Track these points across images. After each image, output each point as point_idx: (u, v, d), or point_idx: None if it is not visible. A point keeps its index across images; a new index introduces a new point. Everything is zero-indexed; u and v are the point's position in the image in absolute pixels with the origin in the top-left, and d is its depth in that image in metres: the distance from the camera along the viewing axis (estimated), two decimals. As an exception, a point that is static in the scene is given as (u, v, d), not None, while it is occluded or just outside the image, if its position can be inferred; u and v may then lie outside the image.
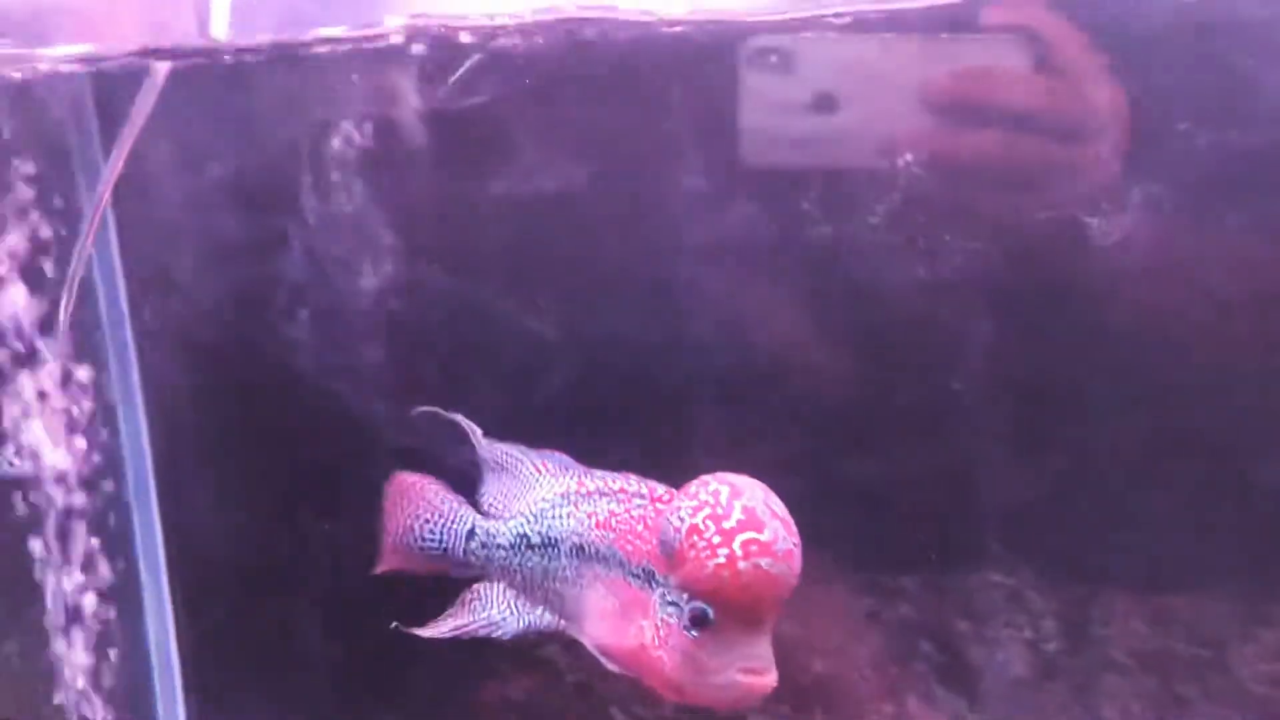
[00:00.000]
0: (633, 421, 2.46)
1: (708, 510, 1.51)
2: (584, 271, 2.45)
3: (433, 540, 1.91)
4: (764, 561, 1.48)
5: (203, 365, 2.55)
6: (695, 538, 1.51)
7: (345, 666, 2.69)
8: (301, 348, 2.51)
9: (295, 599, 2.66)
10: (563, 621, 1.80)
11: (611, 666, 1.71)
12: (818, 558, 2.58)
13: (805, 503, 2.53)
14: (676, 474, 2.29)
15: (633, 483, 1.74)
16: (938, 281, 2.29)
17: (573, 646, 2.60)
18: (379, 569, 1.98)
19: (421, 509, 1.94)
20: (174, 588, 2.58)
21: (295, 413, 2.54)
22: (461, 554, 1.88)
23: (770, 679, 1.54)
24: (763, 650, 1.54)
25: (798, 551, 1.51)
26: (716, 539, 1.49)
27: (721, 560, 1.48)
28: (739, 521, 1.49)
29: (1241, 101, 2.13)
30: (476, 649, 2.60)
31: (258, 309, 2.51)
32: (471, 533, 1.88)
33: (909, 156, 2.20)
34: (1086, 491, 2.46)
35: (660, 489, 1.70)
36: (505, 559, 1.83)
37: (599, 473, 1.80)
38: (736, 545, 1.48)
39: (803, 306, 2.44)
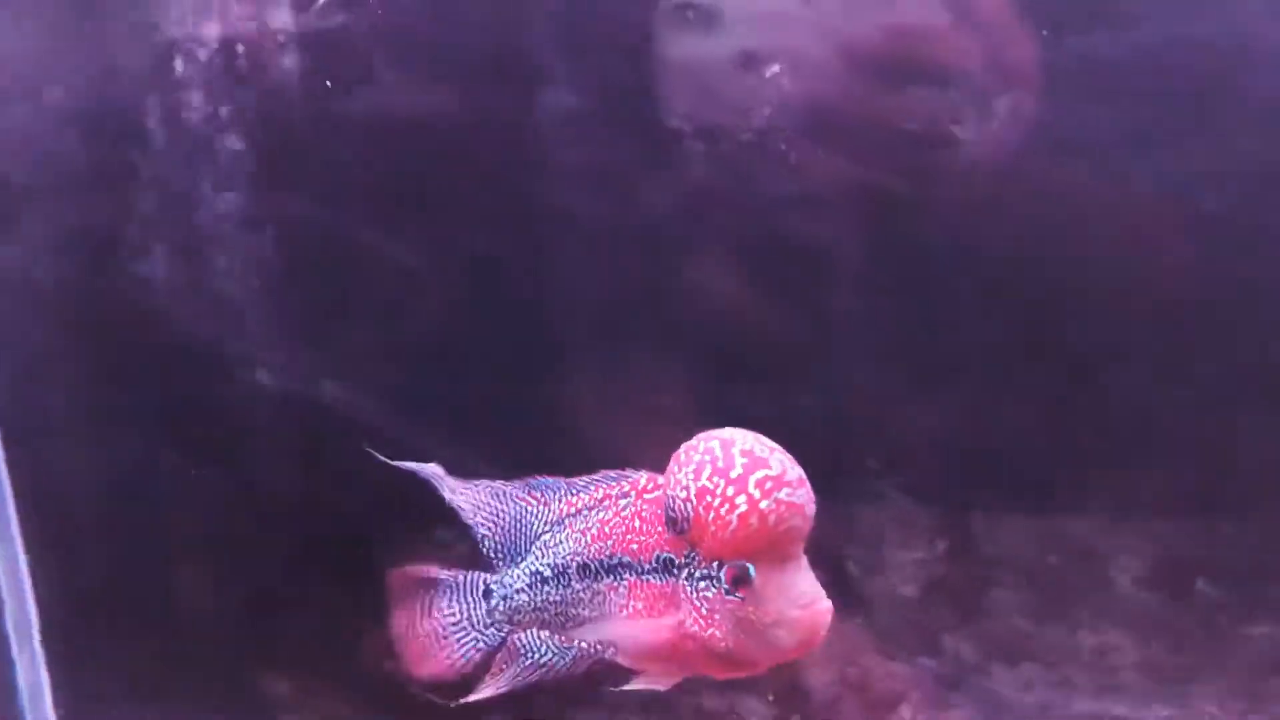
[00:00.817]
0: (511, 353, 2.41)
1: (709, 469, 1.46)
2: (456, 199, 2.38)
3: (453, 620, 1.81)
4: (783, 494, 1.44)
5: (51, 304, 2.41)
6: (709, 499, 1.46)
7: (223, 620, 2.60)
8: (157, 284, 2.40)
9: (166, 549, 2.57)
10: (602, 646, 1.70)
11: (664, 682, 1.64)
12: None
13: (687, 430, 2.59)
14: (559, 402, 2.28)
15: (614, 485, 1.67)
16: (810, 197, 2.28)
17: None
18: (420, 688, 1.88)
19: (433, 597, 1.84)
20: (29, 541, 2.45)
21: (153, 352, 2.42)
22: (486, 617, 1.79)
23: (828, 605, 1.50)
24: (808, 582, 1.50)
25: (805, 476, 1.47)
26: (730, 490, 1.44)
27: (744, 508, 1.43)
28: (744, 465, 1.44)
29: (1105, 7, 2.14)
30: (359, 598, 2.61)
31: (107, 244, 2.38)
32: (488, 592, 1.79)
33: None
34: (969, 411, 2.49)
35: (643, 477, 1.64)
36: (528, 602, 1.75)
37: (579, 483, 1.73)
38: (752, 488, 1.43)
39: (682, 232, 2.40)
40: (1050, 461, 2.55)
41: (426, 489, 2.68)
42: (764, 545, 1.46)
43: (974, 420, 2.46)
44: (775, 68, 2.17)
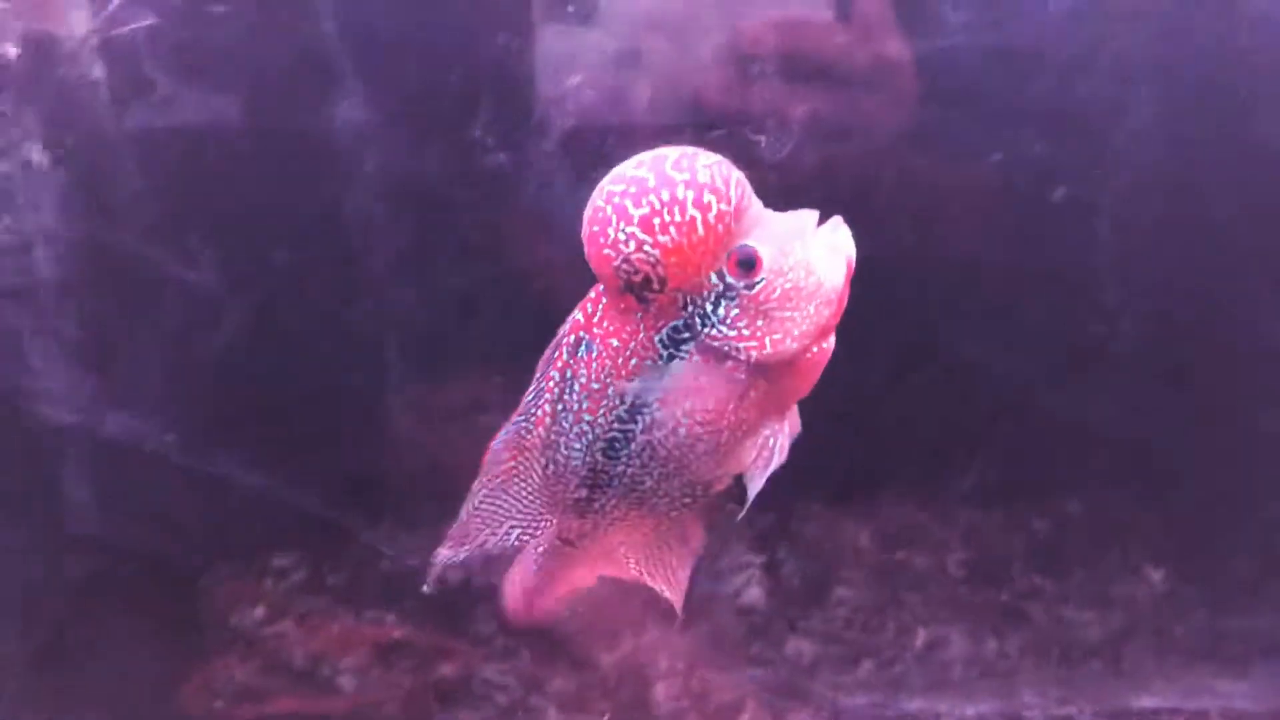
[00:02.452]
0: (313, 373, 2.31)
1: (629, 203, 1.28)
2: (251, 214, 2.27)
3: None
4: (703, 159, 1.29)
5: None
6: (656, 225, 1.28)
7: (17, 667, 2.44)
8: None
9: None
10: (709, 482, 1.48)
11: (770, 449, 1.43)
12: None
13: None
14: (372, 420, 2.18)
15: (555, 355, 1.45)
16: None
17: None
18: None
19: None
20: None
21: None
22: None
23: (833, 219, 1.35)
24: (788, 217, 1.35)
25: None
26: (665, 196, 1.27)
27: (691, 196, 1.27)
28: (652, 171, 1.28)
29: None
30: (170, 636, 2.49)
31: None
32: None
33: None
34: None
35: (575, 313, 1.44)
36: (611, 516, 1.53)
37: (529, 400, 1.50)
38: (679, 177, 1.27)
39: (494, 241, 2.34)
40: (878, 457, 2.58)
41: (248, 522, 2.61)
42: (734, 216, 1.30)
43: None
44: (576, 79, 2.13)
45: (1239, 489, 2.51)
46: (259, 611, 2.57)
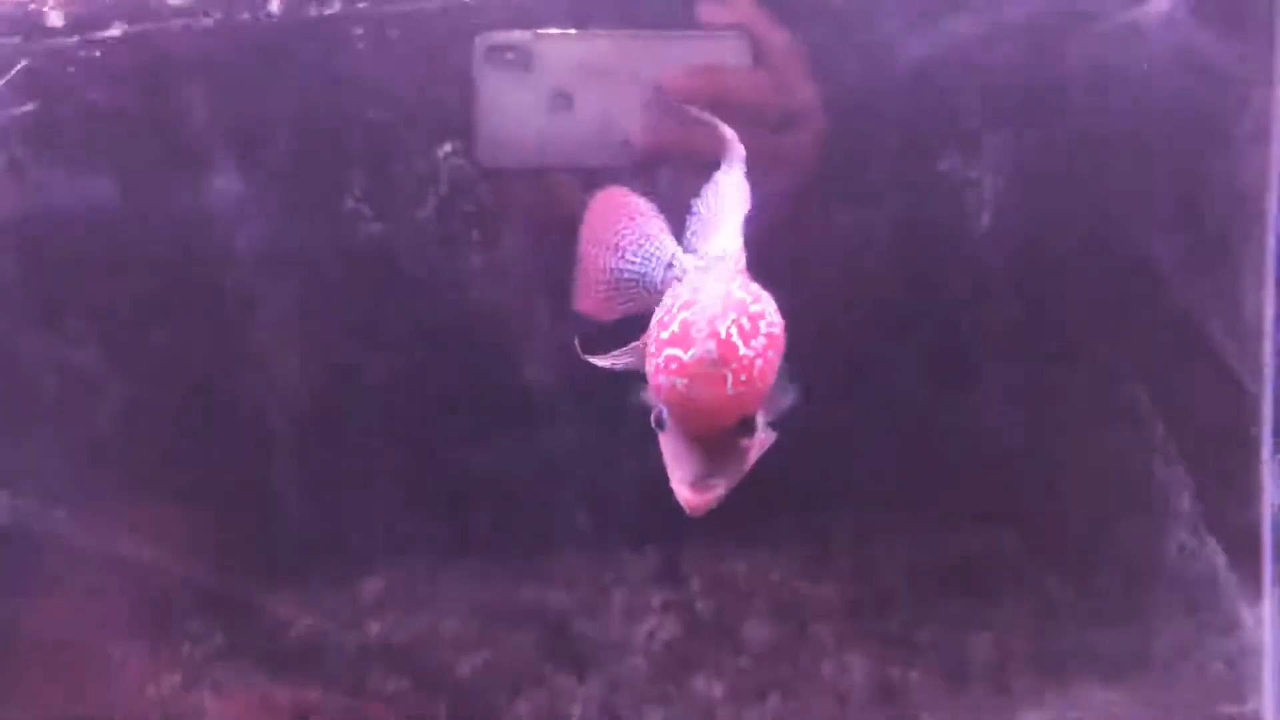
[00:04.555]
0: (199, 447, 2.33)
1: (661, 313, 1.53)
2: (128, 293, 2.28)
3: (631, 270, 1.73)
4: (681, 382, 1.44)
5: None
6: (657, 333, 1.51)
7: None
8: None
9: None
10: None
11: None
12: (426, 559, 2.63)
13: (401, 506, 2.56)
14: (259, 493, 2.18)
15: None
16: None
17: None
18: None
19: (626, 238, 1.75)
20: None
21: None
22: (659, 285, 1.69)
23: (688, 496, 1.49)
24: (694, 462, 1.49)
25: (729, 378, 1.45)
26: (664, 337, 1.49)
27: (660, 362, 1.47)
28: (672, 334, 1.48)
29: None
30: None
31: None
32: (670, 264, 1.69)
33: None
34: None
35: None
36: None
37: None
38: (665, 357, 1.47)
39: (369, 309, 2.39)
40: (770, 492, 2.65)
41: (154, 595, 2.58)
42: (669, 404, 1.48)
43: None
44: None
45: (1099, 504, 2.63)
46: (176, 678, 2.55)
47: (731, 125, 1.91)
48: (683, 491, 1.50)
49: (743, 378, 1.45)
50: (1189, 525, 2.58)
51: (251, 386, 2.34)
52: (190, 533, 2.43)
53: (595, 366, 1.75)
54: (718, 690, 2.75)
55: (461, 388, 2.40)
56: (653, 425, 1.52)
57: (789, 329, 1.59)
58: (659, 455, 1.61)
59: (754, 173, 1.85)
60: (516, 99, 2.23)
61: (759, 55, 2.27)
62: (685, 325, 1.47)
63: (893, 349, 2.55)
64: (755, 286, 1.57)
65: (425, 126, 2.25)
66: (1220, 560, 2.58)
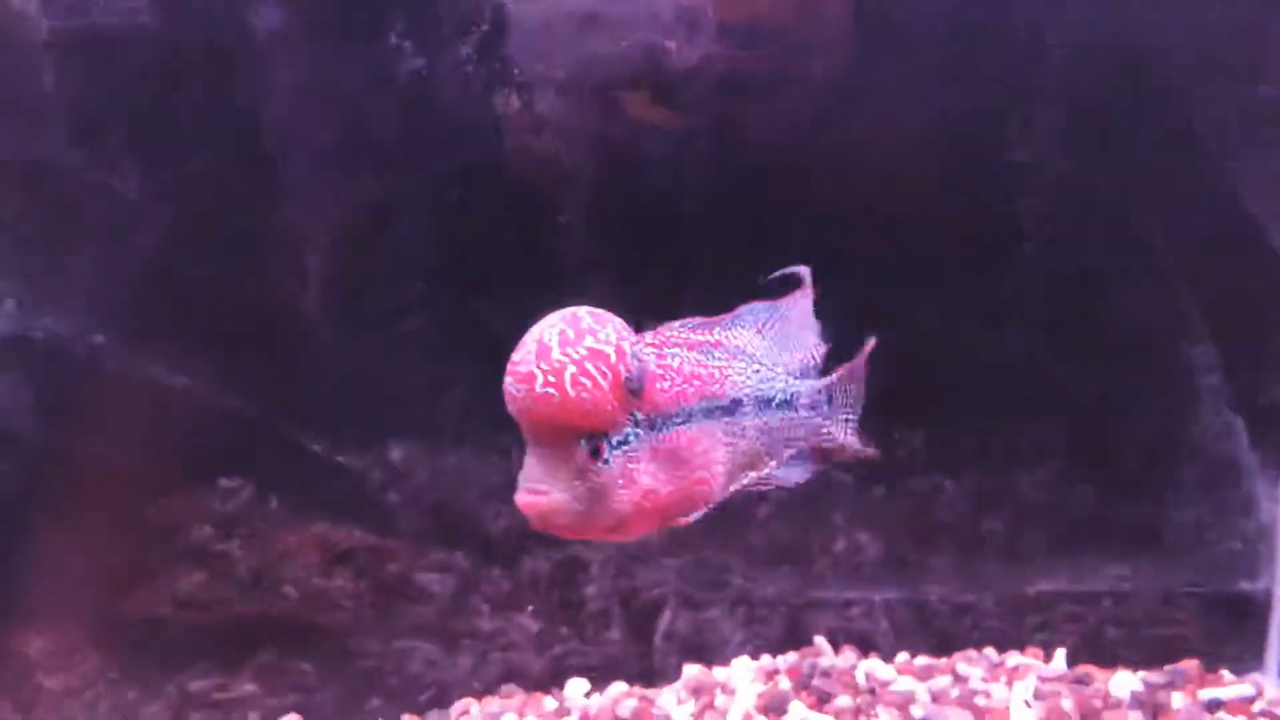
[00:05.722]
0: (236, 277, 2.39)
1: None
2: (170, 122, 2.32)
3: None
4: (507, 379, 1.56)
5: None
6: None
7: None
8: None
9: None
10: None
11: None
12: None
13: (434, 352, 2.60)
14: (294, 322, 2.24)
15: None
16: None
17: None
18: None
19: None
20: None
21: None
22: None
23: (522, 497, 1.59)
24: (530, 467, 1.61)
25: (539, 375, 1.55)
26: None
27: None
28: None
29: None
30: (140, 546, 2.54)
31: None
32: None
33: None
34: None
35: None
36: None
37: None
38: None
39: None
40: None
41: (194, 432, 2.66)
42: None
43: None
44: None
45: (1123, 384, 2.62)
46: (206, 529, 2.64)
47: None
48: (517, 493, 1.62)
49: (552, 379, 1.54)
50: (1214, 404, 2.58)
51: (288, 220, 2.39)
52: (221, 364, 2.50)
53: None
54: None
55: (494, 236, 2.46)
56: None
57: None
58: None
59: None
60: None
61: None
62: (528, 334, 1.59)
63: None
64: (607, 316, 1.63)
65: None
66: (1243, 440, 2.58)
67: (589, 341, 1.59)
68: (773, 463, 1.88)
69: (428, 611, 2.68)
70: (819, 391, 1.92)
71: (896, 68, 2.48)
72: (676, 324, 1.79)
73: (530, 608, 2.70)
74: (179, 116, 2.30)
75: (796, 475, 1.93)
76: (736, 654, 2.68)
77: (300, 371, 2.55)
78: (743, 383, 1.83)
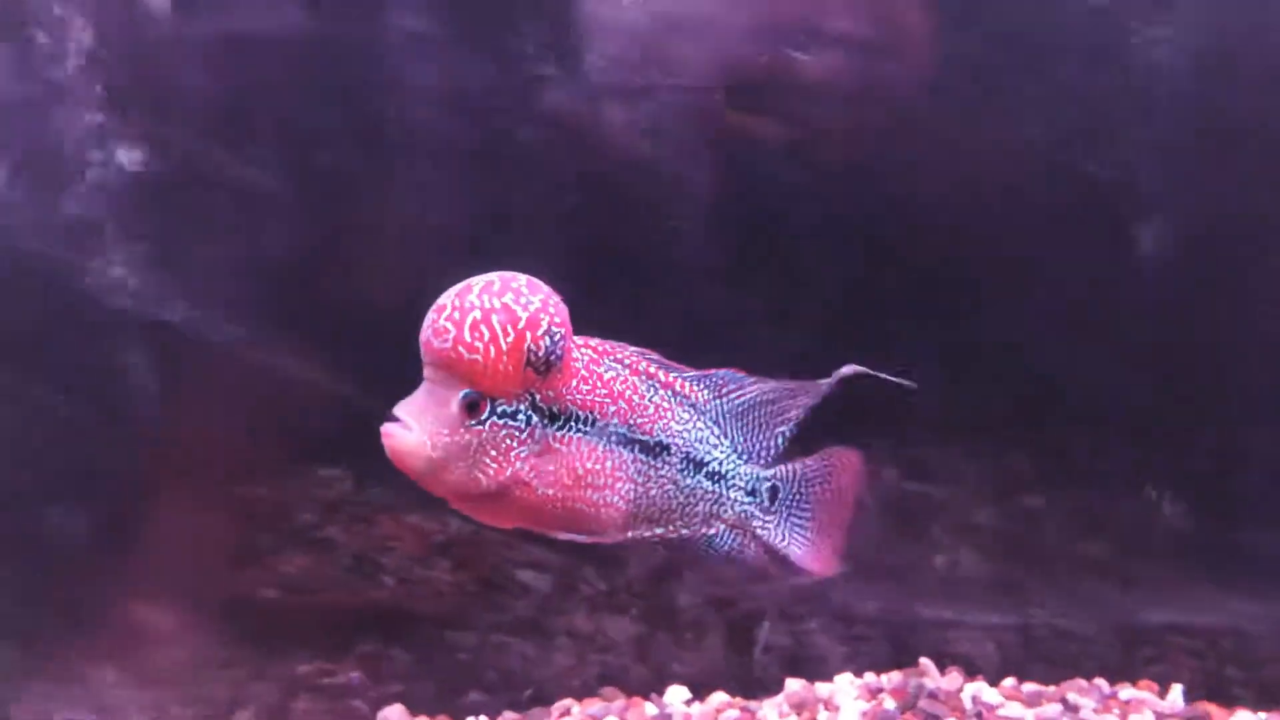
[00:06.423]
0: (363, 272, 2.44)
1: None
2: (310, 119, 2.37)
3: None
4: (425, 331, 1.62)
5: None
6: None
7: (90, 553, 2.58)
8: (5, 205, 2.34)
9: (26, 480, 2.52)
10: None
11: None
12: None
13: None
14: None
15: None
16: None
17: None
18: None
19: None
20: None
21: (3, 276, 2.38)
22: None
23: (385, 429, 1.62)
24: (407, 402, 1.65)
25: (448, 309, 1.61)
26: None
27: None
28: None
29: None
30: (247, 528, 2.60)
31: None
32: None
33: None
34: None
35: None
36: None
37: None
38: None
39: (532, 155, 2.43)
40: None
41: (301, 418, 2.72)
42: None
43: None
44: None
45: (1251, 407, 2.54)
46: (307, 516, 2.67)
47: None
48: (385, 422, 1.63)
49: (456, 318, 1.58)
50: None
51: (412, 219, 2.42)
52: (342, 355, 2.53)
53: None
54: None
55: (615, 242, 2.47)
56: None
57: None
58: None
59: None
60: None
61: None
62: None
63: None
64: (547, 292, 1.64)
65: None
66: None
67: (508, 299, 1.58)
68: (685, 530, 1.79)
69: (525, 607, 2.70)
70: (762, 480, 1.82)
71: (1025, 86, 2.44)
72: (634, 349, 1.74)
73: (632, 611, 2.71)
74: (316, 115, 2.34)
75: (719, 558, 1.83)
76: (837, 670, 2.66)
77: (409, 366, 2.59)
78: (676, 431, 1.74)
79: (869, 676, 2.62)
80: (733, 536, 1.82)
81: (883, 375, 1.81)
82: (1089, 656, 2.65)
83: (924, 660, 2.63)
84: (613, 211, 2.44)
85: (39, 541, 2.52)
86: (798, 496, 1.84)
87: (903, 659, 2.67)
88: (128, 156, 2.34)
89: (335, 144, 2.36)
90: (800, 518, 1.85)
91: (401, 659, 2.66)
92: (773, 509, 1.82)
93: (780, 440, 1.82)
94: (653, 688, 2.66)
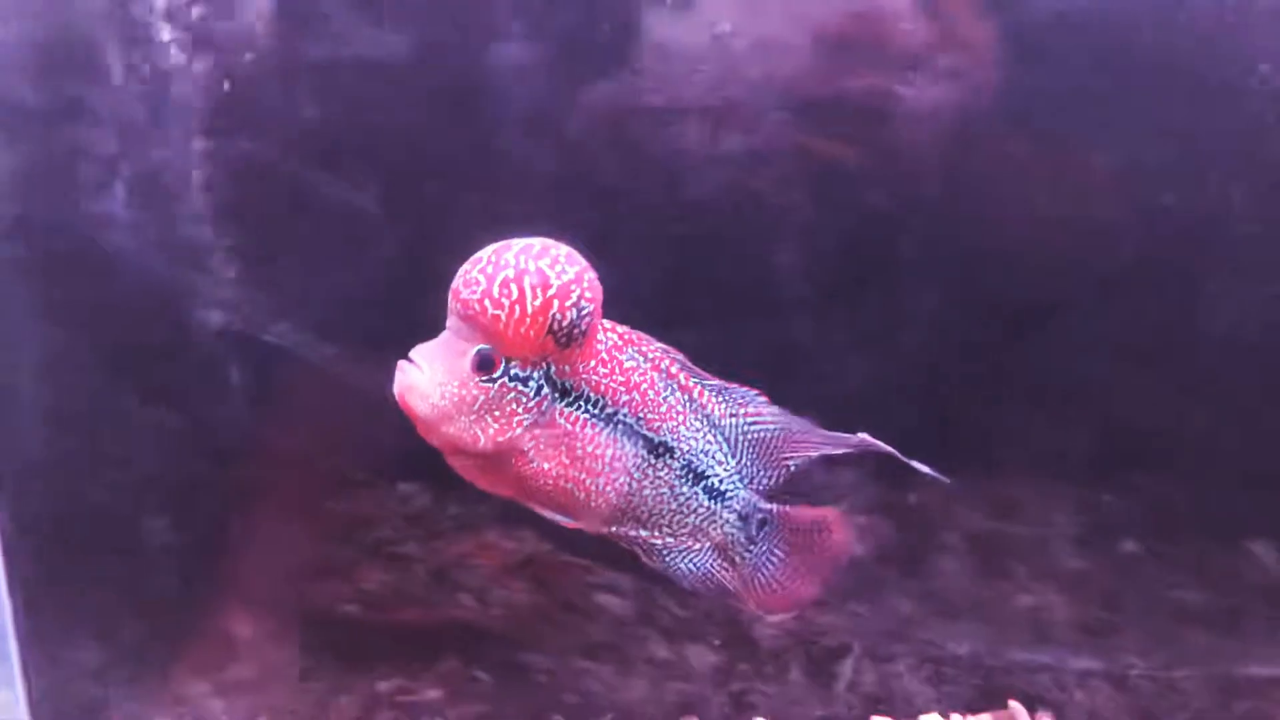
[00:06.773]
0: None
1: None
2: (409, 143, 2.41)
3: None
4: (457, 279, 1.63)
5: (4, 242, 2.43)
6: None
7: (181, 562, 2.64)
8: (112, 223, 2.41)
9: (121, 490, 2.59)
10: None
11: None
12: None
13: None
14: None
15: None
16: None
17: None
18: None
19: None
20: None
21: (108, 291, 2.45)
22: None
23: (401, 363, 1.64)
24: (425, 346, 1.67)
25: (483, 262, 1.62)
26: None
27: None
28: None
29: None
30: (317, 540, 2.65)
31: (62, 183, 2.39)
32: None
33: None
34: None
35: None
36: None
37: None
38: None
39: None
40: (987, 426, 2.60)
41: (385, 437, 2.76)
42: None
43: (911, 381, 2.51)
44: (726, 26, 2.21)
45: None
46: (386, 531, 2.71)
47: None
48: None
49: (488, 271, 1.59)
50: None
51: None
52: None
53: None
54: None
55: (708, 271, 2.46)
56: None
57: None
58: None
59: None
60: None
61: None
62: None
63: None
64: (585, 267, 1.62)
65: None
66: None
67: (544, 264, 1.57)
68: (670, 538, 1.74)
69: (602, 631, 2.70)
70: (757, 509, 1.78)
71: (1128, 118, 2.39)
72: (660, 345, 1.70)
73: (712, 640, 2.70)
74: (416, 141, 2.37)
75: (691, 579, 1.80)
76: (923, 710, 2.62)
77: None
78: (684, 437, 1.70)
79: (956, 718, 2.58)
80: (713, 556, 1.78)
81: (895, 452, 1.77)
82: (1183, 708, 2.58)
83: (1013, 704, 2.58)
84: (707, 240, 2.43)
85: (136, 552, 2.59)
86: (780, 538, 1.80)
87: (989, 702, 2.63)
88: (232, 178, 2.41)
89: (433, 170, 2.40)
90: (775, 559, 1.80)
91: (482, 679, 2.67)
92: (756, 539, 1.78)
93: (783, 475, 1.79)
94: (731, 719, 2.65)
